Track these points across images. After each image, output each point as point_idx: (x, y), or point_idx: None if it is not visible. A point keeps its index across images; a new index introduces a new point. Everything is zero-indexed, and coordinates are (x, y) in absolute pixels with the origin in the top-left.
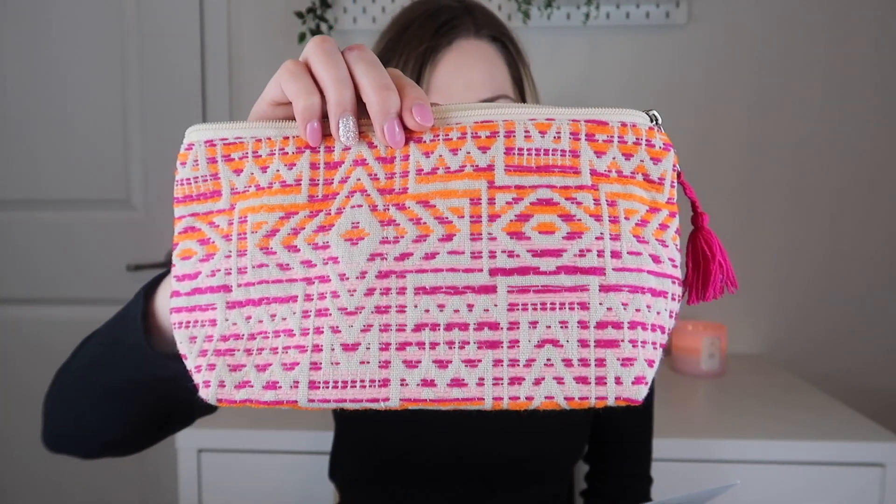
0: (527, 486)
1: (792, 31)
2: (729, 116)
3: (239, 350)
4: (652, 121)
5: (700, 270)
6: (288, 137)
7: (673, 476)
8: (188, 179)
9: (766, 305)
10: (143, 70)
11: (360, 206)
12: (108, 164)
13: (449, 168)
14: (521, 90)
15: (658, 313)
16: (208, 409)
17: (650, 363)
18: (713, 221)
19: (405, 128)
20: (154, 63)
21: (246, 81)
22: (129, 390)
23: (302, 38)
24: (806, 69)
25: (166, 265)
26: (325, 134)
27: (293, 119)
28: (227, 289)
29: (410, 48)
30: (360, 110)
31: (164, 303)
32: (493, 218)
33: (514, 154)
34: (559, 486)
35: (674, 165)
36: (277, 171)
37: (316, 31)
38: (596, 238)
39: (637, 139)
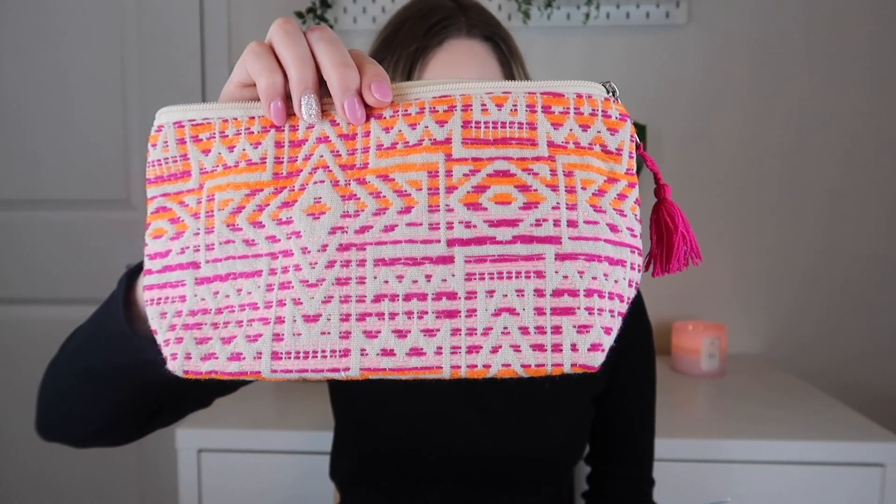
0: (527, 484)
1: (791, 31)
2: (728, 116)
3: (206, 324)
4: (608, 91)
5: (663, 242)
6: (254, 117)
7: (673, 476)
8: (159, 161)
9: (766, 306)
10: (143, 70)
11: (322, 181)
12: (108, 164)
13: (408, 142)
14: None
15: (616, 282)
16: (199, 402)
17: (607, 331)
18: (713, 221)
19: (366, 105)
20: (154, 63)
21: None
22: (114, 376)
23: None
24: (804, 69)
25: None
26: (290, 113)
27: (259, 100)
28: (195, 265)
29: (402, 48)
30: (323, 89)
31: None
32: (450, 190)
33: (471, 127)
34: (560, 485)
35: (631, 136)
36: (244, 150)
37: None
38: (552, 208)
39: (593, 110)
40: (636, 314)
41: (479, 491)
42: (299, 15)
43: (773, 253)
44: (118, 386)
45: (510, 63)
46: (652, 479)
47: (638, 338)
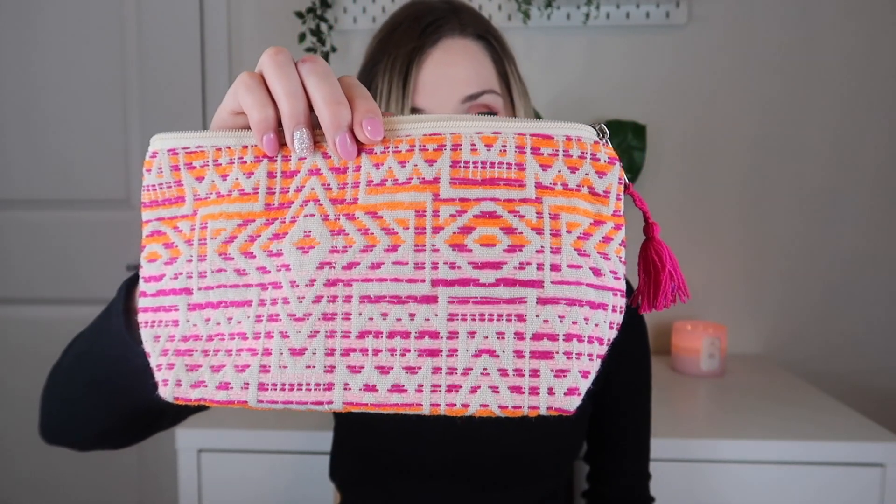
0: (525, 482)
1: (792, 30)
2: (729, 116)
3: (197, 350)
4: (598, 134)
5: (651, 279)
6: (246, 146)
7: (673, 476)
8: (154, 186)
9: (767, 305)
10: (143, 70)
11: (312, 215)
12: (108, 164)
13: (397, 180)
14: (507, 85)
15: (596, 325)
16: (201, 406)
17: (584, 374)
18: (714, 220)
19: (357, 140)
20: (154, 63)
21: None
22: (115, 381)
23: (302, 38)
24: (806, 69)
25: None
26: (282, 143)
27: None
28: (188, 291)
29: (398, 48)
30: (315, 120)
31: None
32: (436, 230)
33: (459, 167)
34: (557, 483)
35: (620, 178)
36: (236, 179)
37: (316, 31)
38: (536, 251)
39: (582, 153)
40: (632, 312)
41: (478, 489)
42: (299, 15)
43: (773, 253)
44: (119, 391)
45: (503, 61)
46: (649, 473)
47: (633, 334)
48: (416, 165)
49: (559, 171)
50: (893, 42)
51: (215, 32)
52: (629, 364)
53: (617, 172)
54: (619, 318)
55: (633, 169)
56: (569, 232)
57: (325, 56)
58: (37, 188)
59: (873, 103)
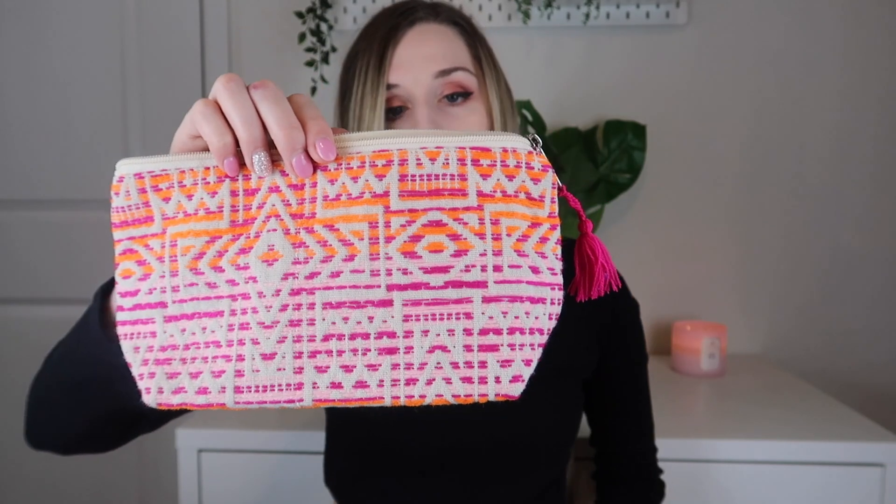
0: (520, 473)
1: (791, 31)
2: (729, 116)
3: (175, 359)
4: (532, 144)
5: (586, 271)
6: (209, 168)
7: (673, 476)
8: (122, 207)
9: (766, 305)
10: (143, 70)
11: (274, 230)
12: (108, 164)
13: (350, 195)
14: (480, 66)
15: (537, 318)
16: (180, 409)
17: (527, 363)
18: (714, 220)
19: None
20: (154, 63)
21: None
22: (93, 384)
23: (302, 38)
24: (806, 69)
25: None
26: (242, 164)
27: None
28: (163, 305)
29: (376, 31)
30: (272, 140)
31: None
32: (389, 239)
33: (407, 180)
34: (555, 471)
35: (553, 183)
36: (201, 199)
37: (316, 31)
38: (480, 255)
39: (518, 162)
40: (620, 295)
41: (472, 482)
42: (299, 15)
43: (773, 253)
44: (99, 393)
45: (476, 44)
46: (654, 446)
47: (623, 317)
48: (367, 180)
49: (498, 180)
50: (891, 42)
51: (215, 32)
52: (623, 347)
53: (550, 178)
54: (557, 309)
55: (633, 169)
56: (508, 235)
57: (325, 56)
58: (37, 188)
59: (872, 103)
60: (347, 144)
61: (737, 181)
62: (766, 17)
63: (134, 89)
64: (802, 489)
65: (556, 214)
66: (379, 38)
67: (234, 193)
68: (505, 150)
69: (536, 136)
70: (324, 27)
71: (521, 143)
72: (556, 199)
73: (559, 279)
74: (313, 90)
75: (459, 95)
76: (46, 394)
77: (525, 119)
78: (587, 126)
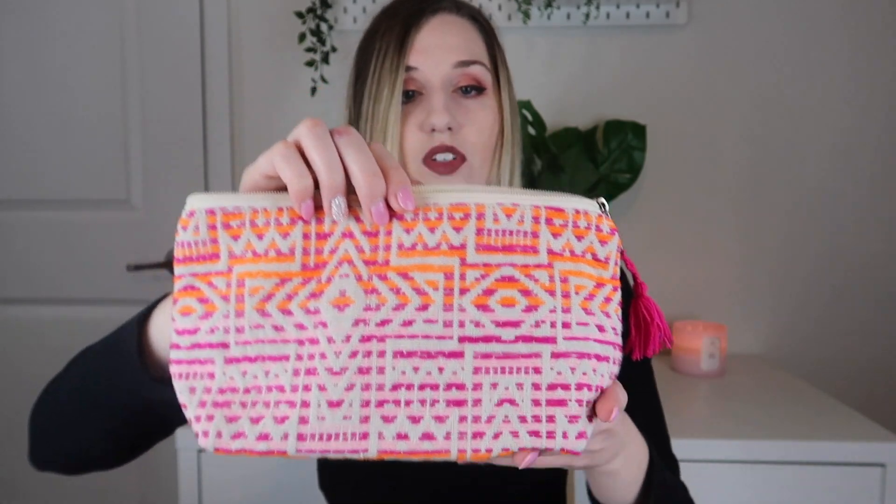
0: (516, 478)
1: (792, 30)
2: (729, 116)
3: (235, 402)
4: (601, 208)
5: (641, 331)
6: (282, 209)
7: None
8: (188, 242)
9: (766, 306)
10: (143, 70)
11: (347, 275)
12: (108, 164)
13: (427, 245)
14: (495, 67)
15: (602, 375)
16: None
17: (590, 419)
18: (714, 220)
19: (389, 207)
20: (154, 63)
21: (246, 81)
22: (121, 411)
23: (302, 38)
24: (806, 68)
25: (166, 265)
26: (317, 206)
27: (285, 189)
28: (225, 346)
29: (397, 14)
30: (349, 187)
31: (158, 331)
32: (463, 291)
33: (483, 234)
34: (554, 474)
35: (618, 246)
36: (273, 239)
37: (316, 31)
38: (549, 311)
39: (588, 224)
40: (628, 293)
41: (468, 488)
42: (299, 15)
43: (773, 253)
44: (124, 421)
45: (493, 45)
46: (673, 456)
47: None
48: (444, 232)
49: (568, 240)
50: (892, 42)
51: (215, 32)
52: (629, 360)
53: (616, 242)
54: (617, 369)
55: (633, 169)
56: (577, 293)
57: (325, 56)
58: (37, 188)
59: (872, 103)
60: (426, 195)
61: (737, 181)
62: (765, 17)
63: (134, 89)
64: (802, 489)
65: (619, 277)
66: (401, 20)
67: (306, 236)
68: (577, 212)
69: (603, 199)
70: (324, 27)
71: (591, 206)
72: (619, 263)
73: (620, 339)
74: (313, 90)
75: (473, 89)
76: (64, 414)
77: (525, 119)
78: (587, 126)
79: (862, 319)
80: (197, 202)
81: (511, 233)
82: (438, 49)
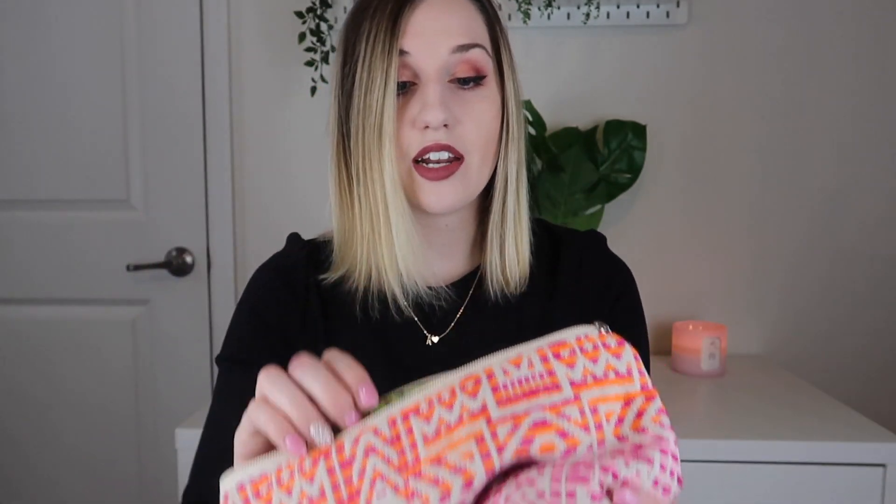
0: None
1: (792, 30)
2: (729, 116)
3: None
4: (598, 327)
5: None
6: (302, 456)
7: None
8: None
9: (767, 306)
10: (143, 70)
11: (383, 492)
12: (108, 164)
13: (449, 424)
14: (497, 51)
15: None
16: None
17: None
18: (714, 220)
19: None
20: (154, 64)
21: (246, 81)
22: None
23: (302, 38)
24: (806, 68)
25: (166, 265)
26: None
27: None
28: None
29: None
30: None
31: None
32: (500, 450)
33: (500, 390)
34: None
35: (634, 355)
36: (301, 489)
37: (316, 31)
38: (587, 448)
39: (595, 345)
40: (627, 288)
41: None
42: (299, 15)
43: (773, 253)
44: None
45: (495, 27)
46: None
47: (629, 313)
48: (462, 404)
49: (584, 366)
50: (893, 39)
51: (215, 32)
52: (624, 315)
53: (630, 352)
54: (678, 467)
55: (633, 169)
56: (608, 422)
57: (325, 56)
58: (37, 188)
59: (875, 103)
60: (432, 385)
61: (737, 181)
62: (766, 17)
63: (134, 89)
64: (803, 489)
65: (650, 386)
66: (394, 1)
67: (330, 472)
68: (579, 338)
69: (599, 322)
70: (324, 27)
71: (590, 329)
72: (644, 371)
73: (669, 445)
74: (313, 90)
75: (472, 80)
76: None
77: (525, 119)
78: (587, 126)
79: (862, 319)
80: (228, 482)
81: (527, 379)
82: (434, 32)
